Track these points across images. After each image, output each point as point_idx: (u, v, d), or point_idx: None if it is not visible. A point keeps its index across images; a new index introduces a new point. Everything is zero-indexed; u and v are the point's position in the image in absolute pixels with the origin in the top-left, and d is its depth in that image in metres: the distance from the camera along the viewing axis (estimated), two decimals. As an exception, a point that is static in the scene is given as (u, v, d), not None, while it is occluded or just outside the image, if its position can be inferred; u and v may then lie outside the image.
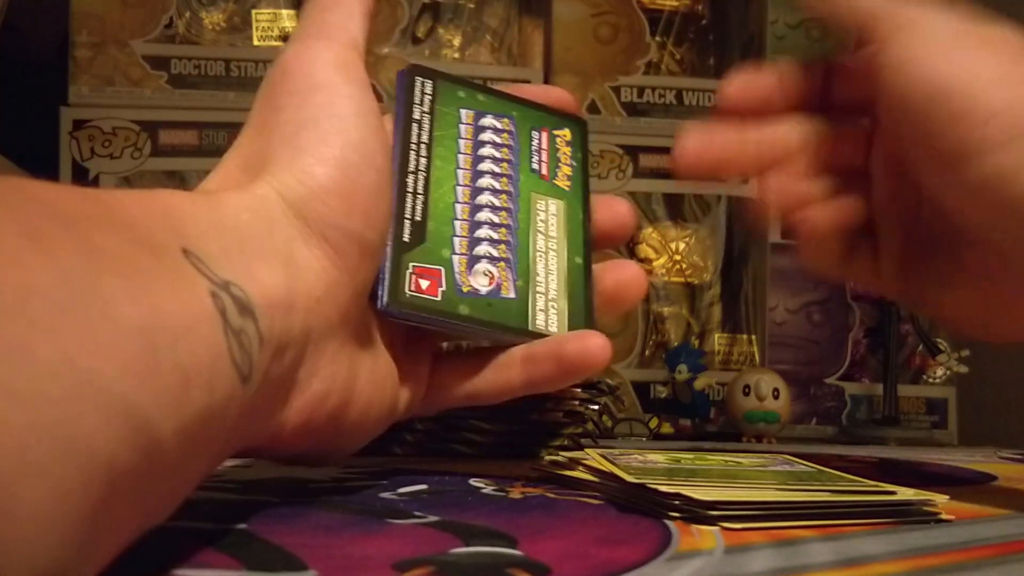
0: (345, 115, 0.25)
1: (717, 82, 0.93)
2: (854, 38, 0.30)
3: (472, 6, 0.86)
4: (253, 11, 0.83)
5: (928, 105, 0.27)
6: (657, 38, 0.87)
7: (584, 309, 0.32)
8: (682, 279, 0.87)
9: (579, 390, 0.44)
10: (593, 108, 0.85)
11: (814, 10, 0.32)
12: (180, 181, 0.79)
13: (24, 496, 0.12)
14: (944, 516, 0.26)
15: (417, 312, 0.29)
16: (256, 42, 0.82)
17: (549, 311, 0.31)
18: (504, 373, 0.30)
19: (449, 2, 0.86)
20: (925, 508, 0.26)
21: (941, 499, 0.26)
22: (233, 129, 0.86)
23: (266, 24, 0.83)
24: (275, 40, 0.83)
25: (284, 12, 0.83)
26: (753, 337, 0.87)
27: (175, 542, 0.19)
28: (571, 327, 0.31)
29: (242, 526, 0.22)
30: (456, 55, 0.86)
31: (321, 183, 0.24)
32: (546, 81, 0.85)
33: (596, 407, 0.45)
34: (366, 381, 0.27)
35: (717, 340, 0.87)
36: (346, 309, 0.25)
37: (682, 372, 0.77)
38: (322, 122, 0.25)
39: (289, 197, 0.23)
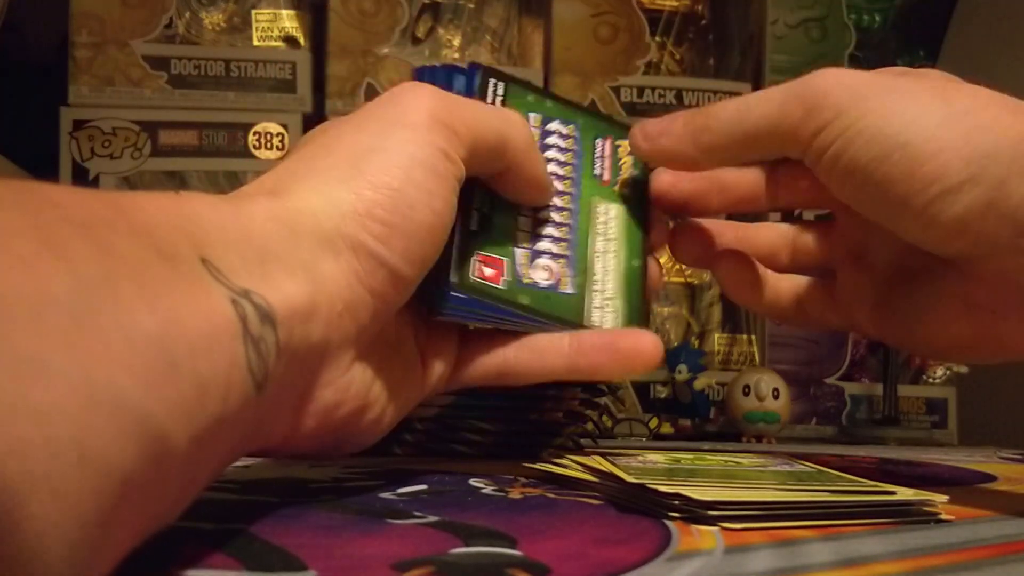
0: (417, 156, 0.25)
1: (717, 82, 0.93)
2: (773, 149, 0.30)
3: (472, 6, 0.86)
4: (253, 11, 0.83)
5: (884, 165, 0.27)
6: (657, 38, 0.87)
7: (639, 310, 0.33)
8: (682, 279, 0.87)
9: (579, 390, 0.44)
10: (593, 108, 0.85)
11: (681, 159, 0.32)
12: (180, 181, 0.79)
13: (33, 510, 0.12)
14: (944, 516, 0.26)
15: (481, 297, 0.30)
16: (256, 42, 0.82)
17: (605, 309, 0.32)
18: (546, 357, 0.31)
19: (449, 2, 0.86)
20: (925, 508, 0.26)
21: (941, 499, 0.26)
22: (233, 129, 0.86)
23: (266, 24, 0.83)
24: (275, 40, 0.83)
25: (284, 12, 0.83)
26: (753, 337, 0.87)
27: (175, 542, 0.19)
28: (625, 326, 0.32)
29: (242, 526, 0.22)
30: (456, 55, 0.86)
31: (367, 207, 0.24)
32: (546, 81, 0.85)
33: (596, 407, 0.45)
34: (381, 388, 0.27)
35: (717, 340, 0.87)
36: (364, 326, 0.25)
37: (682, 372, 0.77)
38: (392, 155, 0.25)
39: (330, 211, 0.23)
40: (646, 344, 0.30)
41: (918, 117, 0.26)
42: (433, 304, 0.29)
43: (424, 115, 0.26)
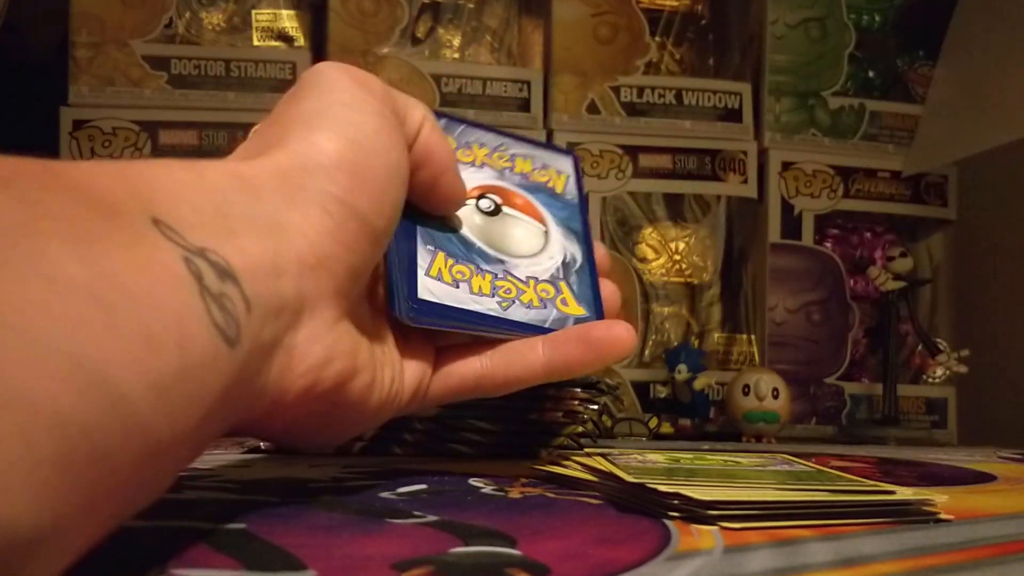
0: (361, 108, 0.26)
1: (717, 82, 0.93)
2: None
3: (472, 6, 0.86)
4: (253, 11, 0.83)
5: None
6: (657, 38, 0.87)
7: (598, 302, 0.34)
8: (682, 279, 0.87)
9: (579, 390, 0.44)
10: (593, 108, 0.85)
11: None
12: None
13: None
14: (943, 516, 0.26)
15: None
16: (256, 42, 0.82)
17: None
18: (521, 360, 0.31)
19: (449, 2, 0.86)
20: (924, 508, 0.26)
21: (941, 499, 0.26)
22: (233, 129, 0.86)
23: (266, 24, 0.83)
24: (275, 40, 0.83)
25: (284, 12, 0.83)
26: (753, 337, 0.87)
27: (175, 542, 0.19)
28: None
29: (242, 526, 0.22)
30: (456, 55, 0.86)
31: (330, 157, 0.24)
32: (546, 81, 0.85)
33: (596, 407, 0.45)
34: (368, 357, 0.27)
35: (717, 340, 0.87)
36: (341, 282, 0.25)
37: (682, 372, 0.77)
38: (338, 111, 0.25)
39: (293, 167, 0.24)
40: (619, 332, 0.30)
41: None
42: (401, 310, 0.29)
43: (350, 81, 0.27)
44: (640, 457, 0.33)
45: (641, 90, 0.86)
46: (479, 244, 0.33)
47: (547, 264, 0.34)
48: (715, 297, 0.87)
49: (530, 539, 0.21)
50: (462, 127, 0.37)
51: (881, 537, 0.23)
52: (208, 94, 0.80)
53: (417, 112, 0.29)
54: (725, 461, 0.33)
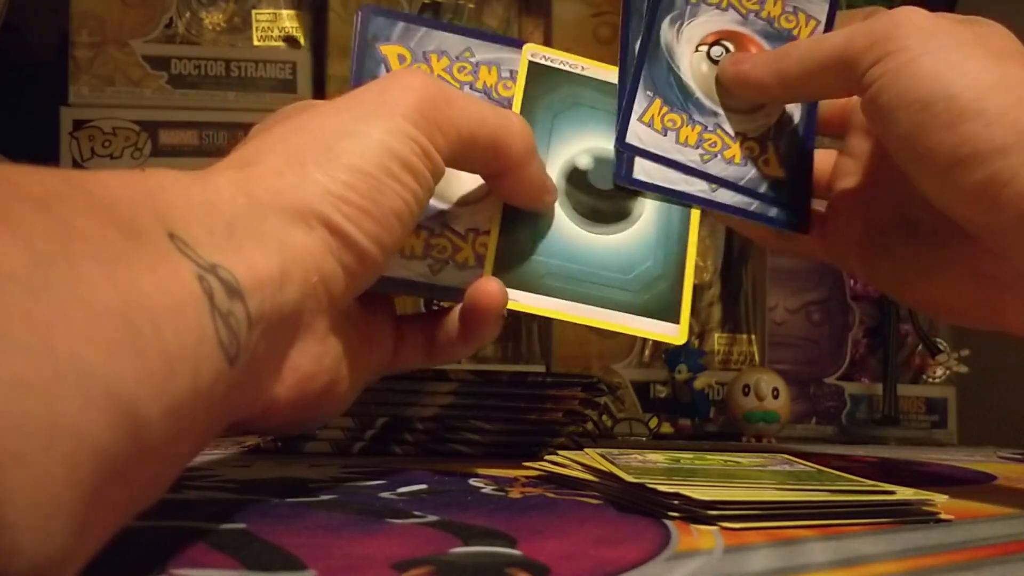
0: (393, 148, 0.25)
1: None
2: (839, 80, 0.30)
3: (472, 6, 0.86)
4: (253, 11, 0.83)
5: (926, 110, 0.27)
6: (657, 38, 0.87)
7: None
8: (682, 279, 0.87)
9: (579, 390, 0.44)
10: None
11: (776, 82, 0.32)
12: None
13: (3, 485, 0.11)
14: (943, 516, 0.26)
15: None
16: (256, 42, 0.82)
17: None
18: (456, 329, 0.32)
19: (449, 2, 0.86)
20: (924, 508, 0.26)
21: (941, 499, 0.26)
22: (233, 129, 0.86)
23: (266, 24, 0.83)
24: (275, 40, 0.83)
25: (284, 12, 0.83)
26: (753, 337, 0.87)
27: (175, 542, 0.19)
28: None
29: (242, 526, 0.22)
30: (456, 55, 0.86)
31: (340, 189, 0.24)
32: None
33: (596, 407, 0.45)
34: (350, 360, 0.27)
35: (717, 340, 0.87)
36: (337, 299, 0.25)
37: (682, 372, 0.77)
38: (369, 142, 0.25)
39: (302, 189, 0.23)
40: (489, 288, 0.30)
41: (973, 72, 0.26)
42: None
43: (410, 108, 0.26)
44: (640, 457, 0.33)
45: (641, 90, 0.85)
46: (698, 94, 0.34)
47: (761, 121, 0.34)
48: (715, 297, 0.87)
49: (530, 539, 0.21)
50: None
51: (881, 537, 0.23)
52: (208, 94, 0.80)
53: (509, 147, 0.29)
54: (725, 461, 0.33)
